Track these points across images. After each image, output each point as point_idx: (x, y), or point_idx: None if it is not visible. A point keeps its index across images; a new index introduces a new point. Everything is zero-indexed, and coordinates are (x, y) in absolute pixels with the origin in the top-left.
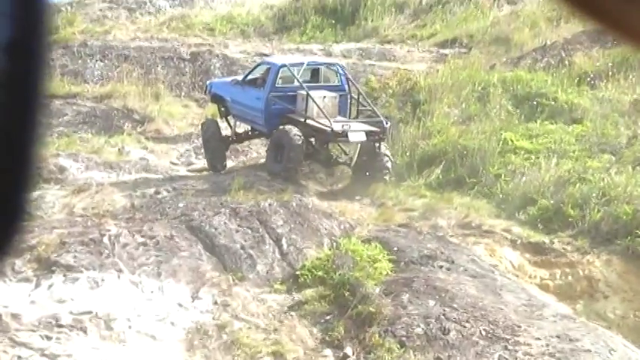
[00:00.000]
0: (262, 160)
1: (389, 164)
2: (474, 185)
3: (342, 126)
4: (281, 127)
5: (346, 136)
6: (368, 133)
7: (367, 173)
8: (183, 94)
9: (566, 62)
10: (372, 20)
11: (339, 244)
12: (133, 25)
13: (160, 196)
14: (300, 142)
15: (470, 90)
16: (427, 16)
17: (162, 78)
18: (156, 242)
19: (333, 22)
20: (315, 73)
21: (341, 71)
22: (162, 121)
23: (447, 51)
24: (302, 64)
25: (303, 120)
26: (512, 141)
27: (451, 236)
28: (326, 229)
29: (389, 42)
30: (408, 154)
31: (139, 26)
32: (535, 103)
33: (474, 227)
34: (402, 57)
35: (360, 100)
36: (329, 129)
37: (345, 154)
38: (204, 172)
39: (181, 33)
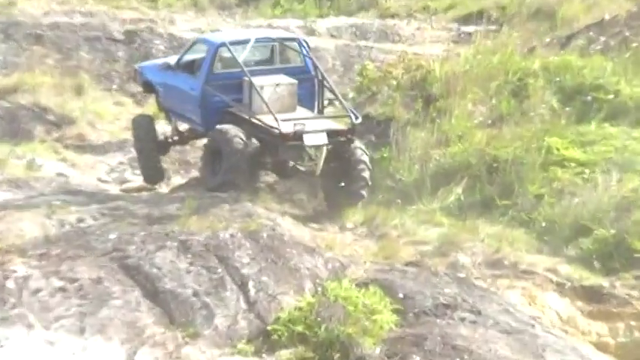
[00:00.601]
0: None
1: (366, 173)
2: (506, 209)
3: (294, 125)
4: (218, 126)
5: (300, 138)
6: (332, 134)
7: (340, 185)
8: (115, 87)
9: (631, 44)
10: None
11: (325, 289)
12: None
13: (83, 225)
14: (240, 146)
15: (502, 81)
16: None
17: (87, 66)
18: (78, 287)
19: None
20: (268, 53)
21: (304, 49)
22: (87, 124)
23: (470, 28)
24: (248, 40)
25: (248, 117)
26: (558, 149)
27: (477, 278)
28: (308, 269)
29: (392, 16)
30: (418, 167)
31: None
32: (589, 98)
33: (508, 266)
34: (410, 36)
35: (327, 86)
36: (275, 130)
37: (311, 159)
38: (144, 193)
39: (112, 4)
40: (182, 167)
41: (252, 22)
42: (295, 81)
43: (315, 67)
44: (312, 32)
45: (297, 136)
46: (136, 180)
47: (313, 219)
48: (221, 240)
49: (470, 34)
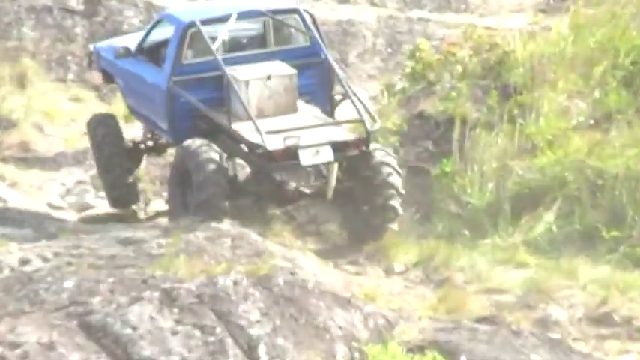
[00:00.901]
0: None
1: (395, 201)
2: (616, 244)
3: (285, 140)
4: (186, 141)
5: (294, 156)
6: (339, 147)
7: (365, 212)
8: (72, 76)
9: None
10: None
11: (365, 356)
12: None
13: (29, 269)
14: (214, 166)
15: (609, 66)
16: None
17: (33, 47)
18: (22, 355)
19: None
20: (259, 32)
21: (308, 21)
22: (33, 128)
23: None
24: (228, 17)
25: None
26: None
27: (576, 339)
28: (341, 328)
29: None
30: (492, 186)
31: None
32: None
33: (619, 322)
34: (481, 4)
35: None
36: (258, 147)
37: (322, 176)
38: (113, 223)
39: None
40: (164, 187)
41: None
42: (293, 71)
43: (323, 46)
44: None
45: (290, 153)
46: (101, 205)
47: (348, 258)
48: (220, 288)
49: None
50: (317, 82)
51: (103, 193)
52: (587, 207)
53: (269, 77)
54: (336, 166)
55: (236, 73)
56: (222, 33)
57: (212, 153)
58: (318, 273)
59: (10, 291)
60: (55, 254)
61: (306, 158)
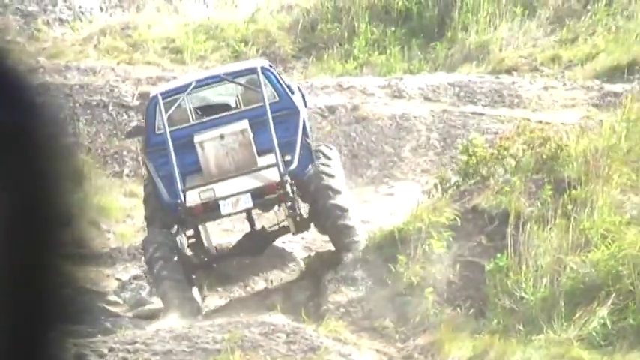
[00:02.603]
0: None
1: (344, 220)
2: None
3: (200, 195)
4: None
5: (216, 208)
6: (257, 193)
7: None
8: (128, 171)
9: None
10: (477, 30)
11: None
12: (33, 44)
13: None
14: (155, 245)
15: None
16: (579, 21)
17: (88, 142)
18: None
19: (405, 34)
20: (230, 95)
21: (272, 77)
22: (89, 223)
23: (618, 87)
24: (188, 85)
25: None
26: None
27: None
28: None
29: (509, 71)
30: (546, 280)
31: (43, 45)
32: None
33: None
34: (534, 99)
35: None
36: (178, 206)
37: (294, 210)
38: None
39: (123, 57)
40: (220, 283)
41: (314, 81)
42: (245, 126)
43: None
44: (398, 94)
45: (210, 206)
46: (157, 301)
47: (402, 353)
48: None
49: (617, 94)
50: (292, 134)
51: None
52: None
53: (222, 136)
54: (285, 209)
55: (197, 137)
56: (188, 102)
57: (155, 234)
58: None
59: None
60: (110, 350)
61: (226, 208)
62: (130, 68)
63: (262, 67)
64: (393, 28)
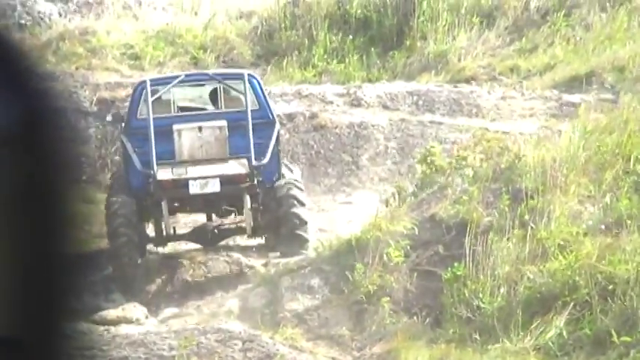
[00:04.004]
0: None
1: (300, 230)
2: (627, 349)
3: (172, 170)
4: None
5: (184, 186)
6: (226, 180)
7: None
8: (84, 177)
9: None
10: (436, 39)
11: None
12: None
13: None
14: (121, 220)
15: (620, 171)
16: (538, 32)
17: None
18: None
19: (364, 42)
20: (211, 95)
21: (256, 86)
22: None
23: (575, 97)
24: (176, 77)
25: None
26: None
27: None
28: None
29: (468, 80)
30: (504, 290)
31: None
32: None
33: None
34: (493, 108)
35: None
36: (150, 177)
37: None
38: (123, 325)
39: (81, 63)
40: (175, 290)
41: (273, 89)
42: (223, 123)
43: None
44: (357, 102)
45: (179, 184)
46: (113, 307)
47: None
48: None
49: (575, 104)
50: (266, 141)
51: (114, 296)
52: (598, 312)
53: (200, 129)
54: (247, 198)
55: (176, 126)
56: (173, 94)
57: (121, 195)
58: None
59: None
60: (67, 356)
61: (194, 188)
62: (88, 74)
63: (249, 75)
64: (352, 37)
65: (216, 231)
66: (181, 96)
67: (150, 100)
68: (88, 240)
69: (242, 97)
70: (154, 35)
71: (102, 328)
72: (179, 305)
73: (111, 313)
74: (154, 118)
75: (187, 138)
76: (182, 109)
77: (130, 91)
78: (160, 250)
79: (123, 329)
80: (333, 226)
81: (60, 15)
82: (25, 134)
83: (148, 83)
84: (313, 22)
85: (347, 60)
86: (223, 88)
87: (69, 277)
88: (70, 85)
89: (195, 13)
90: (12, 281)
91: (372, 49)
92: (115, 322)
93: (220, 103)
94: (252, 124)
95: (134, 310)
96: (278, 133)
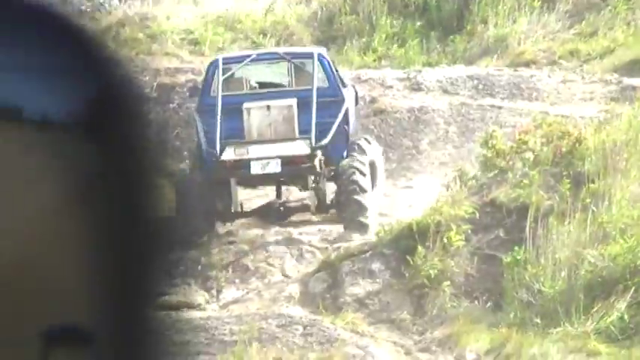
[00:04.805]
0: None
1: (358, 196)
2: None
3: (235, 151)
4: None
5: (246, 166)
6: (286, 160)
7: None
8: (147, 163)
9: None
10: (496, 23)
11: None
12: None
13: None
14: (190, 190)
15: None
16: (599, 15)
17: None
18: None
19: (424, 26)
20: (282, 73)
21: (326, 65)
22: None
23: (635, 81)
24: (248, 56)
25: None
26: None
27: None
28: None
29: (527, 64)
30: (565, 274)
31: None
32: None
33: None
34: (553, 92)
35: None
36: (214, 156)
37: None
38: (185, 311)
39: (141, 49)
40: (237, 274)
41: None
42: (292, 102)
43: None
44: (417, 86)
45: (242, 164)
46: (176, 293)
47: (419, 345)
48: None
49: (635, 88)
50: (333, 119)
51: (176, 281)
52: None
53: (268, 107)
54: (310, 182)
55: (246, 104)
56: (245, 72)
57: (191, 183)
58: None
59: None
60: None
61: (255, 168)
62: (147, 59)
63: (319, 54)
64: (412, 21)
65: (282, 208)
66: (255, 74)
67: (220, 78)
68: (158, 224)
69: (319, 75)
70: (213, 20)
71: (164, 312)
72: (240, 290)
73: (173, 298)
74: (224, 96)
75: (256, 117)
76: (257, 85)
77: (190, 76)
78: (227, 226)
79: (184, 314)
80: (394, 211)
81: (120, 1)
82: (91, 120)
83: (220, 61)
84: (373, 7)
85: (407, 44)
86: (295, 67)
87: (145, 263)
88: (130, 71)
89: None
90: (87, 270)
91: (432, 33)
92: (177, 307)
93: (291, 81)
94: (322, 102)
95: (196, 294)
96: (347, 110)
